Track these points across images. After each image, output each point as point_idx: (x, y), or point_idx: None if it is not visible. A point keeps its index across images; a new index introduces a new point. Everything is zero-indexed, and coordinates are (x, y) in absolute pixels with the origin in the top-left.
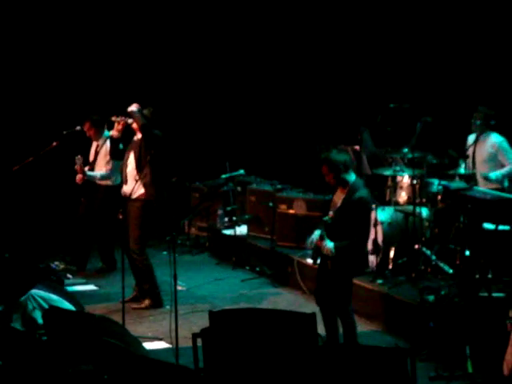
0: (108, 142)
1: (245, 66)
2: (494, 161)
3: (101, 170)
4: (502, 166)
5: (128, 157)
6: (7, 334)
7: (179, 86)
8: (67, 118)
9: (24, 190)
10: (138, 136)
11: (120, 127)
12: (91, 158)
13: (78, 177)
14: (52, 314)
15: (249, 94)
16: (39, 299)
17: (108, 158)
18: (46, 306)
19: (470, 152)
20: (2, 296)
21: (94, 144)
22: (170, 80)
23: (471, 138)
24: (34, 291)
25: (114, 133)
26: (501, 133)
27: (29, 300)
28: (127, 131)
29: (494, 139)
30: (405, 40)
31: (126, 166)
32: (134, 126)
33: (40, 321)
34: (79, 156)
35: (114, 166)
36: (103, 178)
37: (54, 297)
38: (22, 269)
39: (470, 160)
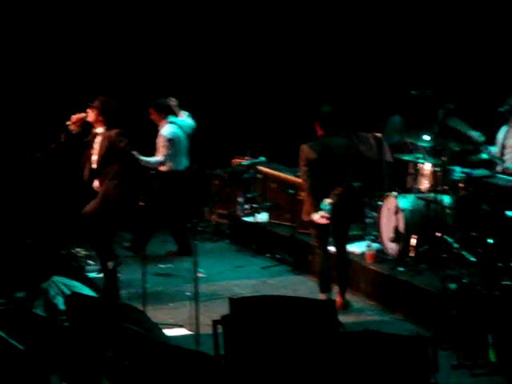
0: (167, 127)
1: (269, 52)
2: None
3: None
4: None
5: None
6: (29, 319)
7: (200, 74)
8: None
9: (47, 176)
10: (99, 130)
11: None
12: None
13: None
14: (74, 300)
15: (270, 80)
16: (61, 285)
17: (164, 142)
18: (68, 292)
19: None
20: (23, 282)
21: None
22: (191, 68)
23: (503, 129)
24: (56, 277)
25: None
26: None
27: (50, 286)
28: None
29: None
30: (427, 25)
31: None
32: (91, 119)
33: (62, 307)
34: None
35: (171, 151)
36: (157, 163)
37: (75, 283)
38: (43, 255)
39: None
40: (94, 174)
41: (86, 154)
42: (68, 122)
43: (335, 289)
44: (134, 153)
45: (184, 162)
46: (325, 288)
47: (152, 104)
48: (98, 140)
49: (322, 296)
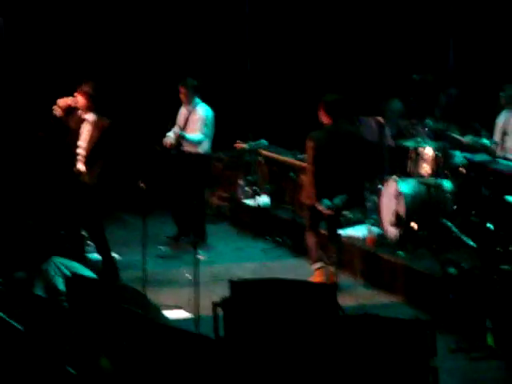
0: (204, 106)
1: (269, 36)
2: None
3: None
4: None
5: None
6: (29, 300)
7: (203, 58)
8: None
9: (48, 156)
10: (88, 116)
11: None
12: (181, 123)
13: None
14: (74, 281)
15: (271, 63)
16: (61, 266)
17: (199, 123)
18: (68, 273)
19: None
20: (23, 262)
21: (184, 109)
22: (195, 52)
23: (503, 115)
24: (56, 258)
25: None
26: None
27: (50, 266)
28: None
29: None
30: (428, 10)
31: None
32: (80, 104)
33: (61, 287)
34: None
35: (210, 132)
36: (198, 141)
37: (75, 264)
38: (43, 235)
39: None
40: (80, 159)
41: (71, 138)
42: (54, 106)
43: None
44: (176, 129)
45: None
46: (317, 259)
47: (186, 82)
48: (86, 126)
49: (314, 266)
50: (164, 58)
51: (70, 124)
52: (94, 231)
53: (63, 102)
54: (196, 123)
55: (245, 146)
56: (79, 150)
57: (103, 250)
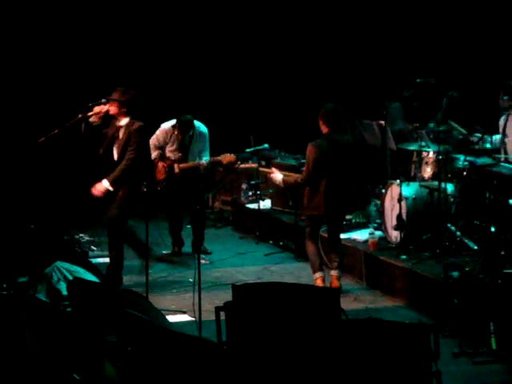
0: (199, 126)
1: (273, 40)
2: None
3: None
4: None
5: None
6: (32, 304)
7: (205, 62)
8: (93, 90)
9: (49, 162)
10: (123, 122)
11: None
12: (169, 140)
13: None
14: (76, 285)
15: (274, 68)
16: (64, 270)
17: (207, 142)
18: (71, 278)
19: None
20: (27, 267)
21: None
22: (196, 55)
23: (503, 118)
24: (59, 262)
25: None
26: None
27: (54, 271)
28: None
29: None
30: (431, 14)
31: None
32: (113, 112)
33: (64, 292)
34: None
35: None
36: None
37: (78, 268)
38: (47, 240)
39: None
40: (115, 165)
41: (107, 146)
42: (89, 113)
43: (329, 272)
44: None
45: None
46: (318, 268)
47: (190, 121)
48: (121, 133)
49: (315, 275)
50: (170, 67)
51: (107, 132)
52: (116, 231)
53: (99, 109)
54: (202, 142)
55: (243, 165)
56: (115, 157)
57: (118, 252)
